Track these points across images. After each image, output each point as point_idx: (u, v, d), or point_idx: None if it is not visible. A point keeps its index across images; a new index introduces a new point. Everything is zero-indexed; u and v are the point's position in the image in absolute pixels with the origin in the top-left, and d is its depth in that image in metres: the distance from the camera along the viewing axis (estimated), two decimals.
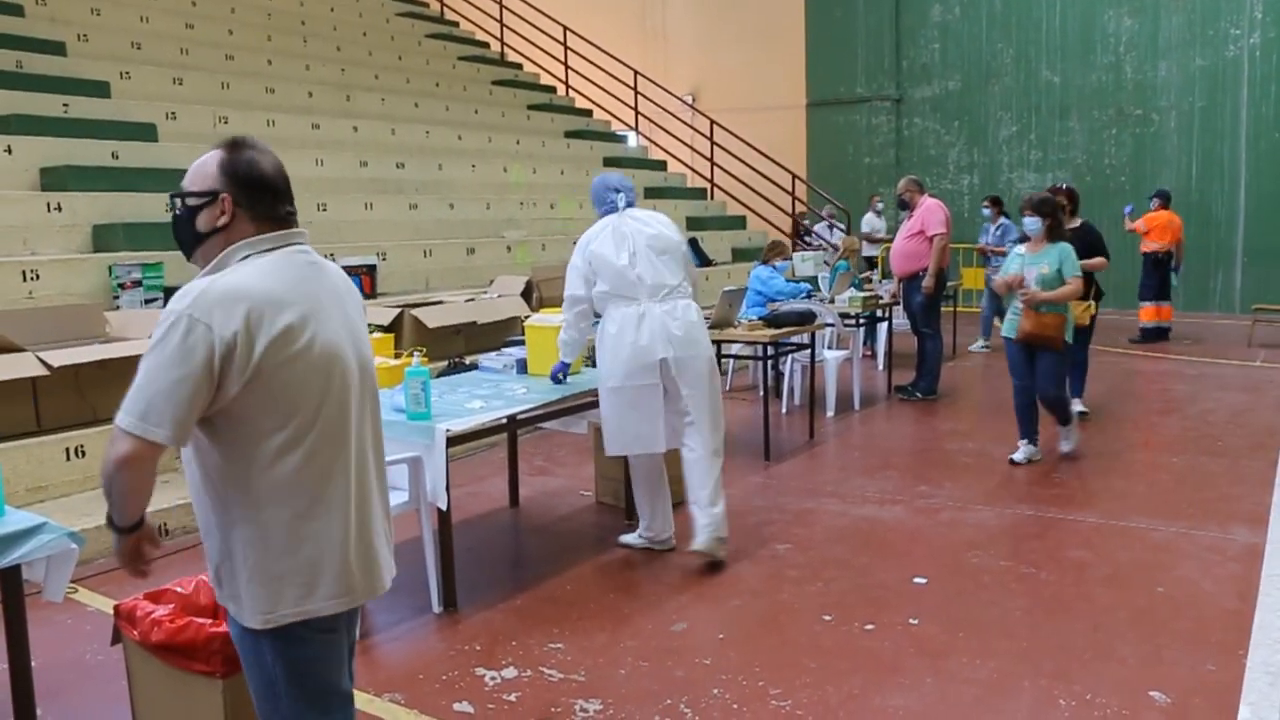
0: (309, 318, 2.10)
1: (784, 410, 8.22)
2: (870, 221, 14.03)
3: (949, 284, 10.11)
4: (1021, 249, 6.56)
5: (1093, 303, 7.32)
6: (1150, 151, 14.98)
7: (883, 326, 9.51)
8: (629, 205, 4.90)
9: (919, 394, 8.63)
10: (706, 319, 5.11)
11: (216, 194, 2.14)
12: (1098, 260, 7.31)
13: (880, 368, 9.65)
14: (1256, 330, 11.79)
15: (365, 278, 8.46)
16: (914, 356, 8.85)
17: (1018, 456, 6.52)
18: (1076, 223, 7.42)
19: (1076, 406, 7.42)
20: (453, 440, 4.26)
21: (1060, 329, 6.30)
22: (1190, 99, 14.67)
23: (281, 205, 2.19)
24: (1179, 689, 3.50)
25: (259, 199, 2.15)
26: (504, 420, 4.72)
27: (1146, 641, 3.89)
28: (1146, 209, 12.20)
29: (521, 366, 5.45)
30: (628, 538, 5.13)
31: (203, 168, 2.16)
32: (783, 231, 15.14)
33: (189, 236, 2.18)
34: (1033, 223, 6.41)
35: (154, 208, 7.87)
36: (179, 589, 3.14)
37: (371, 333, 7.21)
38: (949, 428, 7.68)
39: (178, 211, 2.19)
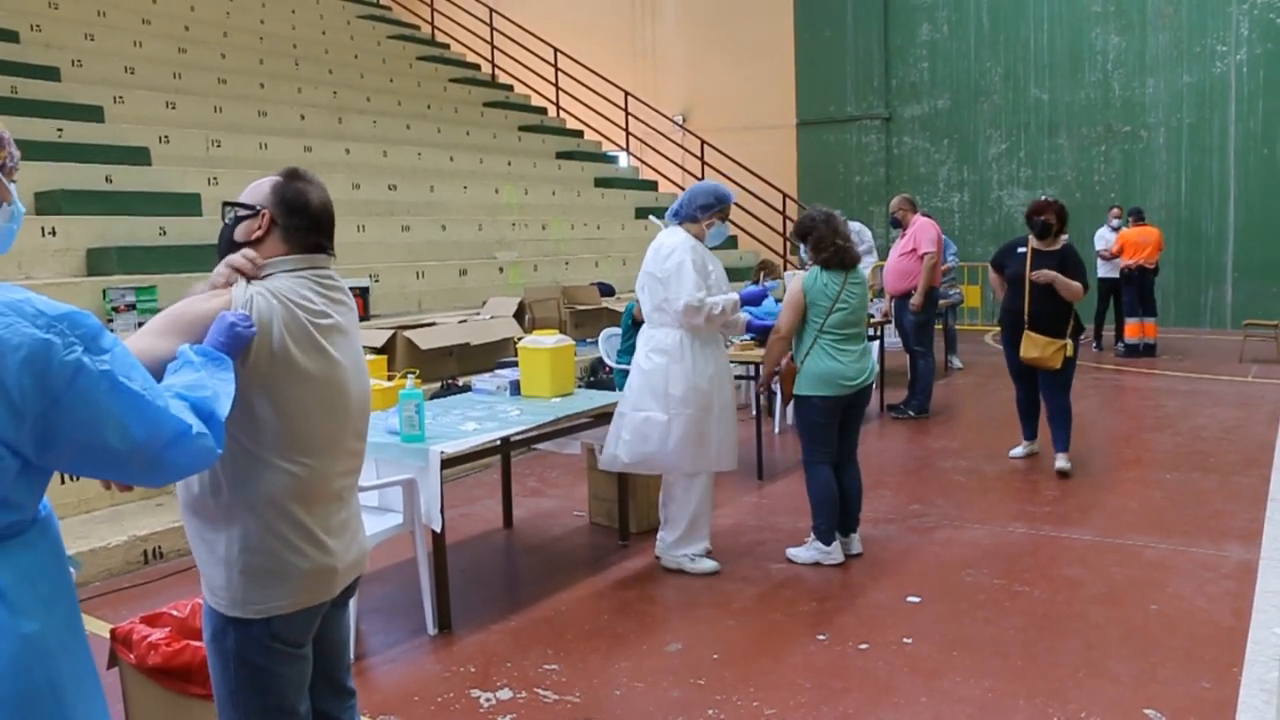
0: (333, 334, 2.30)
1: (776, 429, 8.24)
2: (1104, 236, 12.50)
3: (943, 302, 10.16)
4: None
5: (1068, 342, 6.45)
6: (1139, 168, 15.08)
7: (874, 345, 9.53)
8: (674, 223, 4.97)
9: (911, 412, 8.66)
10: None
11: (259, 209, 2.30)
12: (1074, 284, 6.38)
13: (872, 386, 9.67)
14: (1247, 346, 11.84)
15: (358, 299, 8.47)
16: (906, 375, 8.87)
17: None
18: (1059, 244, 6.58)
19: (1060, 463, 6.61)
20: (447, 462, 4.26)
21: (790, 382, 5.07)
22: (1178, 115, 14.78)
23: (314, 235, 2.35)
24: (1174, 707, 3.51)
25: (296, 224, 2.31)
26: (498, 442, 4.73)
27: (1141, 659, 3.90)
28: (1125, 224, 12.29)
29: (515, 388, 5.45)
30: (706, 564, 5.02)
31: (258, 186, 2.34)
32: (774, 251, 15.21)
33: (226, 244, 2.33)
34: (804, 248, 5.24)
35: (148, 231, 7.89)
36: (175, 612, 3.14)
37: (364, 354, 7.27)
38: (941, 446, 7.70)
39: (226, 221, 2.35)
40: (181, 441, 1.78)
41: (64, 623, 1.76)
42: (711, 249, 5.01)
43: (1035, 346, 6.47)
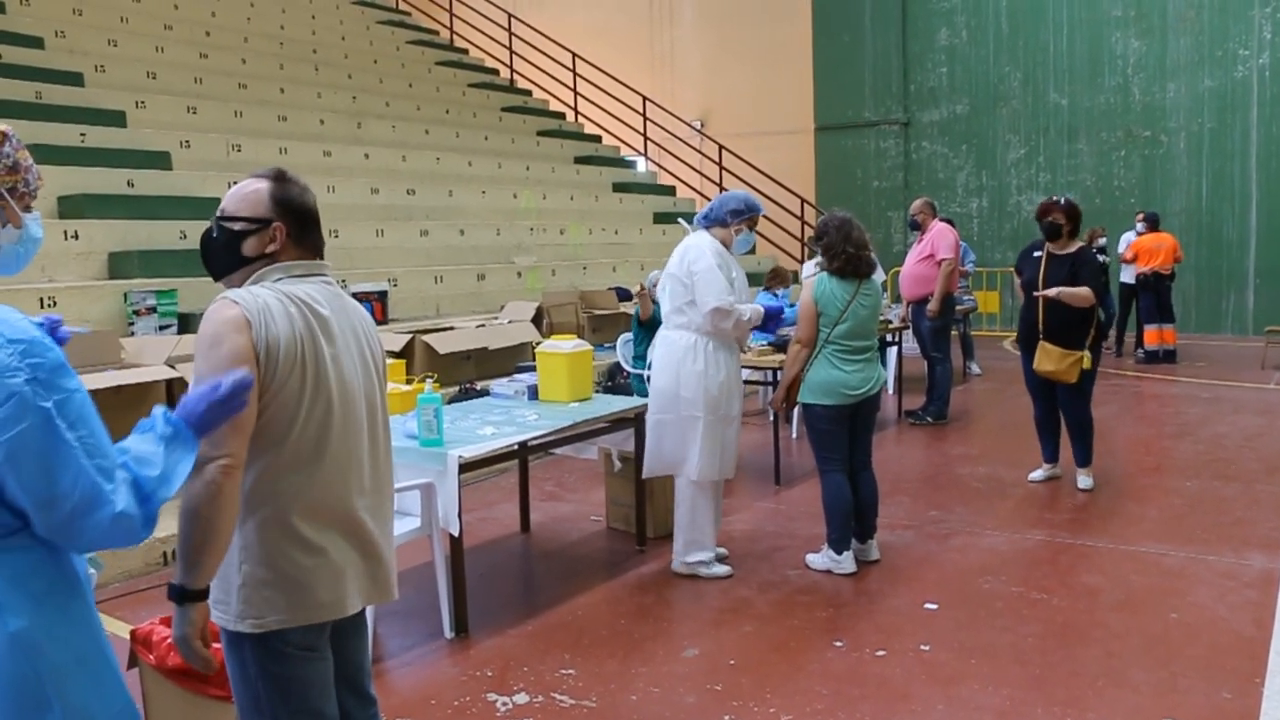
0: (339, 341, 2.26)
1: (794, 435, 8.22)
2: (1128, 240, 12.23)
3: (959, 309, 10.12)
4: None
5: (1085, 354, 6.02)
6: (1160, 173, 14.98)
7: (892, 351, 9.52)
8: (702, 227, 5.04)
9: (929, 418, 8.62)
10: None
11: (269, 222, 2.26)
12: (1080, 291, 5.97)
13: (890, 392, 9.65)
14: (1269, 352, 11.73)
15: (377, 304, 8.51)
16: (923, 381, 8.84)
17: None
18: (1073, 247, 6.18)
19: (1082, 481, 6.36)
20: (465, 466, 4.28)
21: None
22: (1199, 120, 14.68)
23: (319, 236, 2.35)
24: (1194, 717, 3.48)
25: (306, 230, 2.30)
26: (515, 446, 4.74)
27: (1160, 668, 3.88)
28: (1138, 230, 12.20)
29: (533, 392, 5.47)
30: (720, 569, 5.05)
31: (253, 195, 2.27)
32: (792, 256, 15.18)
33: (231, 259, 2.27)
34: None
35: (169, 235, 7.96)
36: None
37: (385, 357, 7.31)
38: (960, 452, 7.66)
39: (214, 234, 2.28)
40: (95, 511, 1.71)
41: (59, 616, 1.79)
42: (738, 256, 5.06)
43: (1050, 359, 6.06)
